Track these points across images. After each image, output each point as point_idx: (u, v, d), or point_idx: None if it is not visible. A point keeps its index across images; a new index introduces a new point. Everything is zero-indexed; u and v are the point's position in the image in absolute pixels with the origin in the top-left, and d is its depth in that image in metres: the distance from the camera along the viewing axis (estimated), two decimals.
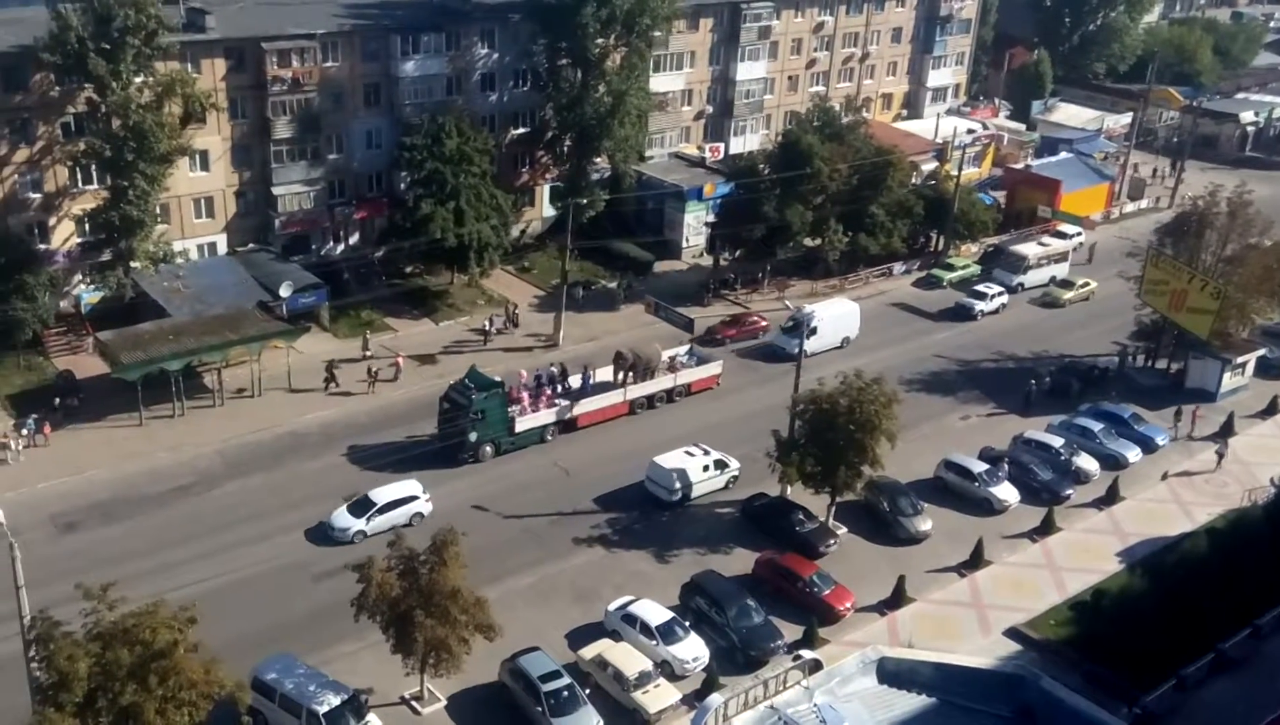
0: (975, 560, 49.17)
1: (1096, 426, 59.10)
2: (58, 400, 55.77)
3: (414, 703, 40.04)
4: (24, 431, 52.97)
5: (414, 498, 49.37)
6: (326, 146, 69.53)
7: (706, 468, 52.92)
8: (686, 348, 63.20)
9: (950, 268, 79.84)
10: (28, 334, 58.92)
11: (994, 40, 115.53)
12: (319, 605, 43.23)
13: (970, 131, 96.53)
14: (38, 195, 61.54)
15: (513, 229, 75.79)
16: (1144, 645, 42.13)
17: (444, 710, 39.97)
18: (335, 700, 37.34)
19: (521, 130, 78.07)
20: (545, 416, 56.11)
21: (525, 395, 56.22)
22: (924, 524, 51.18)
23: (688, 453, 53.30)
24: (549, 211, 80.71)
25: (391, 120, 71.32)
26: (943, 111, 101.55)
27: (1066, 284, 77.02)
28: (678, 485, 52.04)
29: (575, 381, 59.17)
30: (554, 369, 59.98)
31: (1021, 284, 76.76)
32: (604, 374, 59.28)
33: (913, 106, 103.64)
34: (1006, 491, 53.66)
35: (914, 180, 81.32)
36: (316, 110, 67.52)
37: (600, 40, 73.27)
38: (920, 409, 60.56)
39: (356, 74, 69.80)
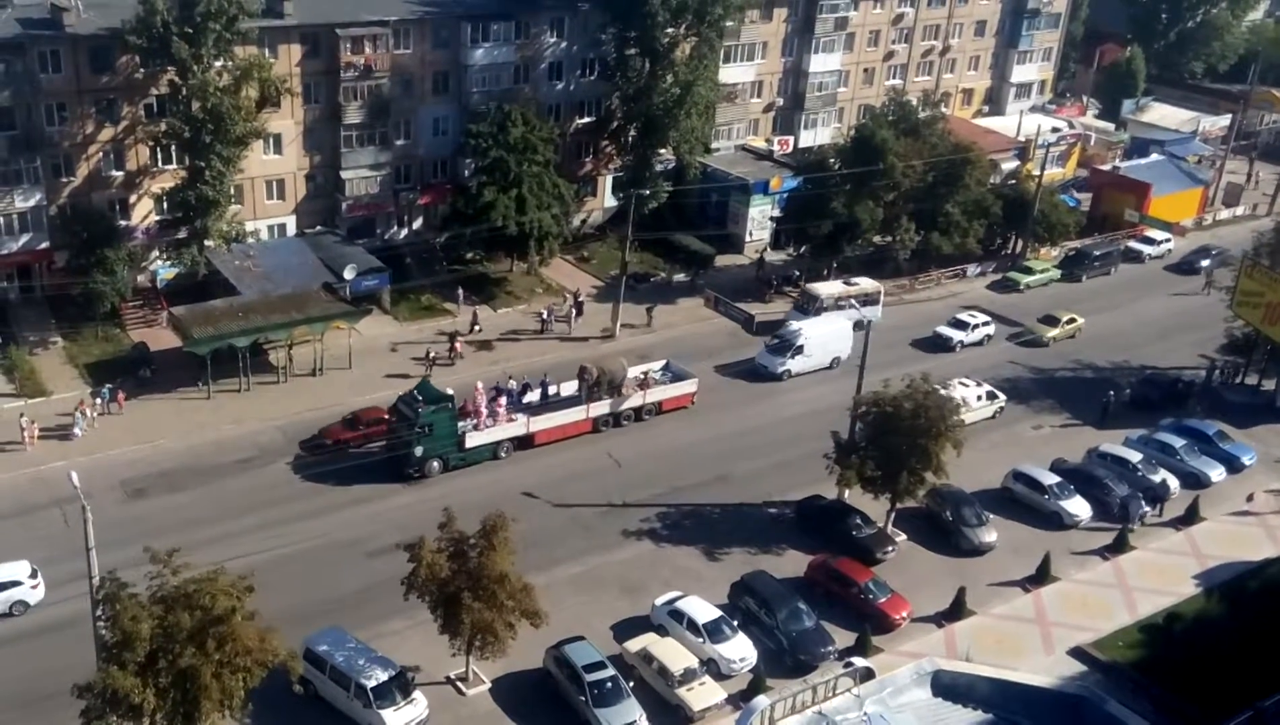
0: (1041, 575, 48.90)
1: (1178, 442, 58.40)
2: (145, 370, 58.61)
3: (459, 683, 41.26)
4: (99, 400, 55.46)
5: (15, 583, 43.00)
6: (394, 132, 71.37)
7: (980, 397, 59.29)
8: (662, 363, 61.44)
9: (1029, 271, 79.25)
10: (106, 306, 61.78)
11: (1084, 36, 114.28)
12: (370, 582, 44.58)
13: (1055, 130, 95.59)
14: (120, 173, 64.34)
15: (574, 218, 76.94)
16: (1219, 674, 41.55)
17: (488, 693, 41.10)
18: (383, 675, 38.74)
19: (586, 119, 79.16)
20: (499, 432, 54.44)
21: (479, 409, 54.37)
22: (988, 535, 51.05)
23: (962, 383, 60.00)
24: (611, 202, 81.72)
25: (458, 107, 72.88)
26: (1026, 108, 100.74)
27: (1050, 320, 70.74)
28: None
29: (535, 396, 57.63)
30: (513, 383, 58.06)
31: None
32: (570, 388, 57.75)
33: (995, 103, 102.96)
34: (1078, 506, 53.30)
35: (993, 179, 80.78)
36: (386, 96, 69.45)
37: (670, 30, 74.05)
38: None
39: (426, 61, 71.57)
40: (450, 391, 54.00)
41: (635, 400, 58.37)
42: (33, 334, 61.66)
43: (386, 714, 38.11)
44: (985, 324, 70.06)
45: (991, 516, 52.03)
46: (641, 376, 59.41)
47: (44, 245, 62.51)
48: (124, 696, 31.91)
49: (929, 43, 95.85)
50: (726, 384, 63.15)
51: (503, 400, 55.39)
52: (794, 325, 64.12)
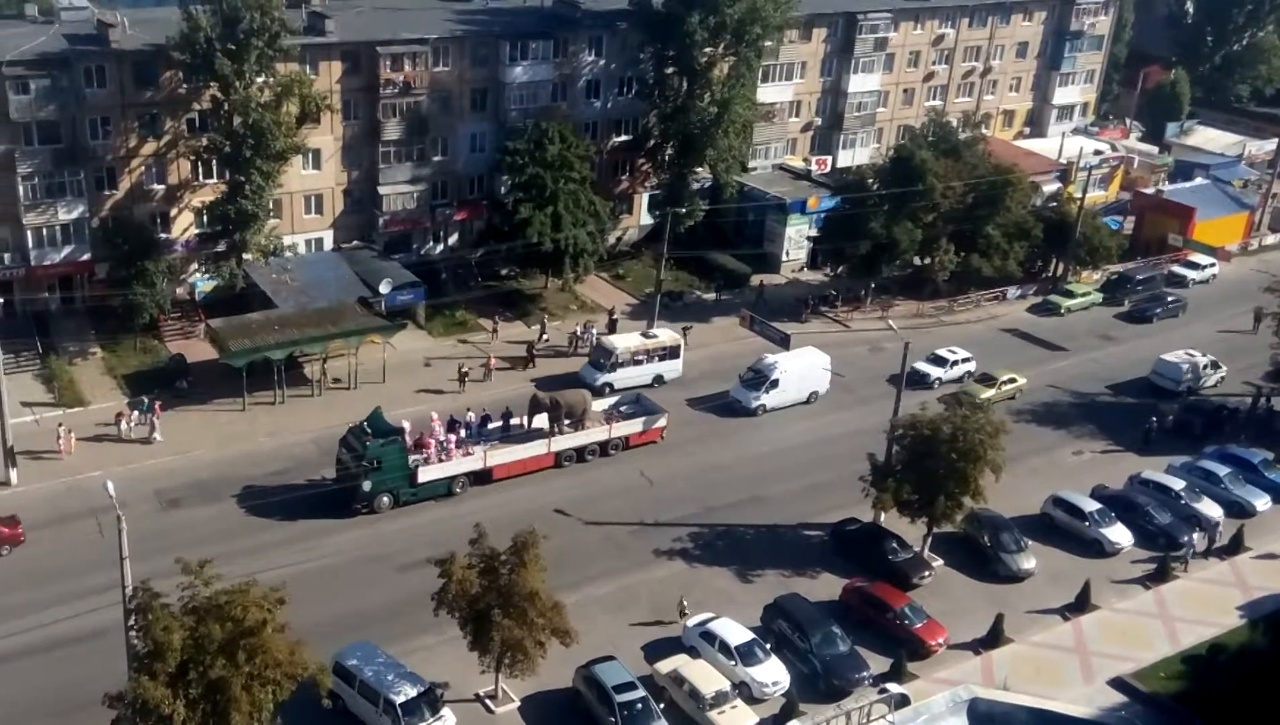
0: (1081, 603, 48.21)
1: (1222, 470, 57.49)
2: (182, 382, 59.26)
3: (488, 701, 41.13)
4: (137, 411, 56.06)
5: None
6: (432, 149, 71.96)
7: (1205, 367, 64.08)
8: (633, 397, 59.62)
9: (1070, 294, 78.52)
10: (145, 318, 62.53)
11: (1127, 58, 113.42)
12: (401, 597, 44.61)
13: (1098, 152, 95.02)
14: (161, 187, 65.23)
15: (609, 236, 76.99)
16: (1263, 706, 40.52)
17: (517, 711, 40.95)
18: (412, 691, 38.67)
19: (623, 137, 79.39)
20: (453, 467, 52.53)
21: (432, 443, 52.71)
22: (1027, 562, 50.38)
23: (1189, 353, 65.85)
24: (647, 220, 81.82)
25: (496, 124, 73.33)
26: (1068, 131, 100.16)
27: (986, 379, 64.94)
28: (1186, 377, 64.57)
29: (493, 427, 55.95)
30: (471, 415, 56.11)
31: (609, 385, 61.48)
32: (539, 422, 55.52)
33: (1036, 124, 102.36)
34: (1119, 533, 52.57)
35: (1034, 201, 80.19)
36: (425, 113, 70.04)
37: (708, 49, 74.25)
38: (1030, 441, 59.80)
39: (465, 79, 72.12)
40: (405, 424, 52.59)
41: (599, 434, 56.34)
42: (72, 344, 62.42)
43: None
44: (966, 361, 67.00)
45: (1031, 543, 51.39)
46: (609, 410, 57.88)
47: (85, 257, 63.35)
48: (154, 707, 32.01)
49: (970, 64, 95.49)
50: (699, 418, 61.18)
51: (452, 436, 53.27)
52: (770, 358, 62.36)
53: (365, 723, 39.19)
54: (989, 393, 63.05)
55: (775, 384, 61.80)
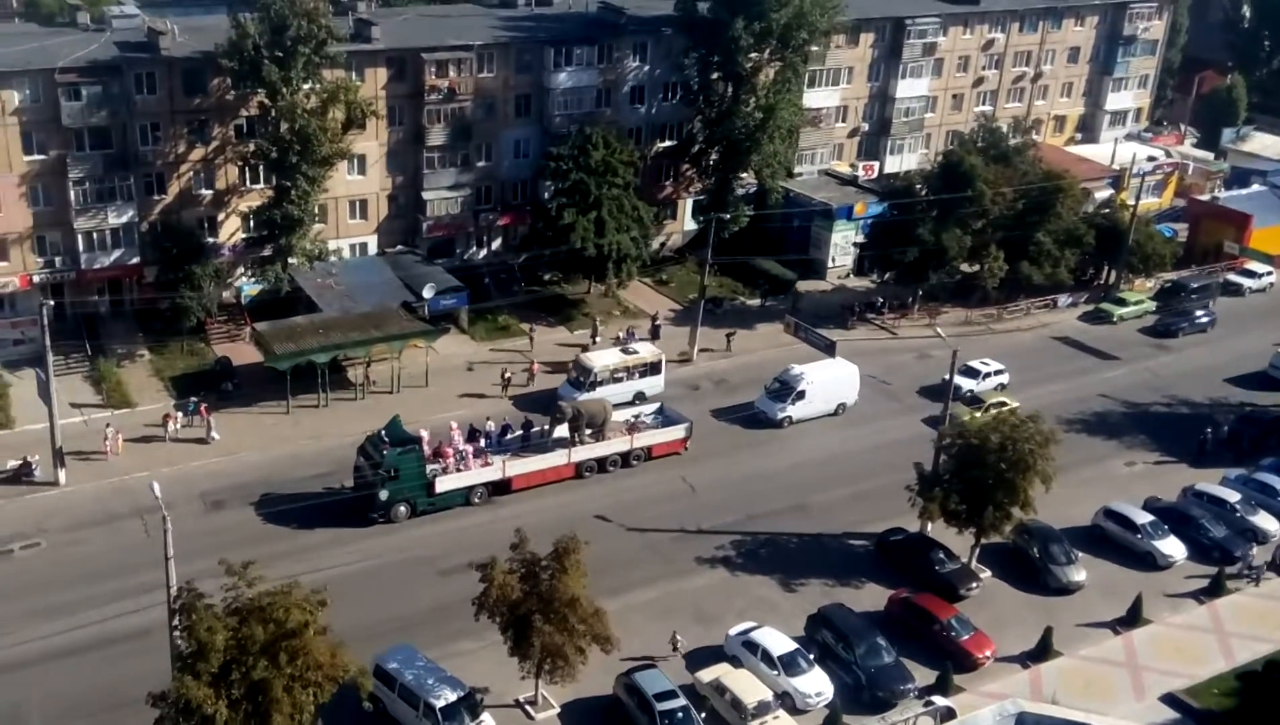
0: (1133, 617, 47.39)
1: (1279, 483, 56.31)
2: (227, 384, 60.06)
3: (528, 707, 41.08)
4: (182, 412, 56.81)
5: None
6: (476, 154, 72.37)
7: None
8: (655, 407, 59.05)
9: (1122, 302, 77.39)
10: (192, 321, 63.41)
11: (1182, 63, 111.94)
12: (441, 600, 44.70)
13: (1151, 159, 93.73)
14: (209, 192, 66.11)
15: (653, 241, 76.94)
16: None
17: (556, 718, 40.85)
18: (452, 696, 38.71)
19: (668, 143, 79.40)
20: (471, 477, 52.20)
21: (450, 452, 52.49)
22: (1078, 574, 49.62)
23: None
24: (690, 225, 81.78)
25: (540, 130, 73.63)
26: (1121, 136, 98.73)
27: (974, 402, 61.78)
28: None
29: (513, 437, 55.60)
30: (490, 424, 56.10)
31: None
32: (560, 432, 54.82)
33: (1088, 130, 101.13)
34: (1173, 547, 51.64)
35: (1086, 208, 79.14)
36: (469, 119, 70.48)
37: (753, 54, 74.04)
38: (1081, 451, 58.96)
39: (509, 85, 72.53)
40: (423, 433, 52.52)
41: (620, 444, 55.87)
42: (121, 347, 63.32)
43: None
44: (998, 372, 65.54)
45: (1081, 555, 50.60)
46: (631, 420, 57.17)
47: (134, 261, 64.25)
48: (197, 707, 32.23)
49: (1020, 69, 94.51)
50: (721, 430, 60.37)
51: (469, 445, 53.20)
52: (796, 369, 61.35)
53: None
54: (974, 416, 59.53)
55: (802, 395, 60.84)
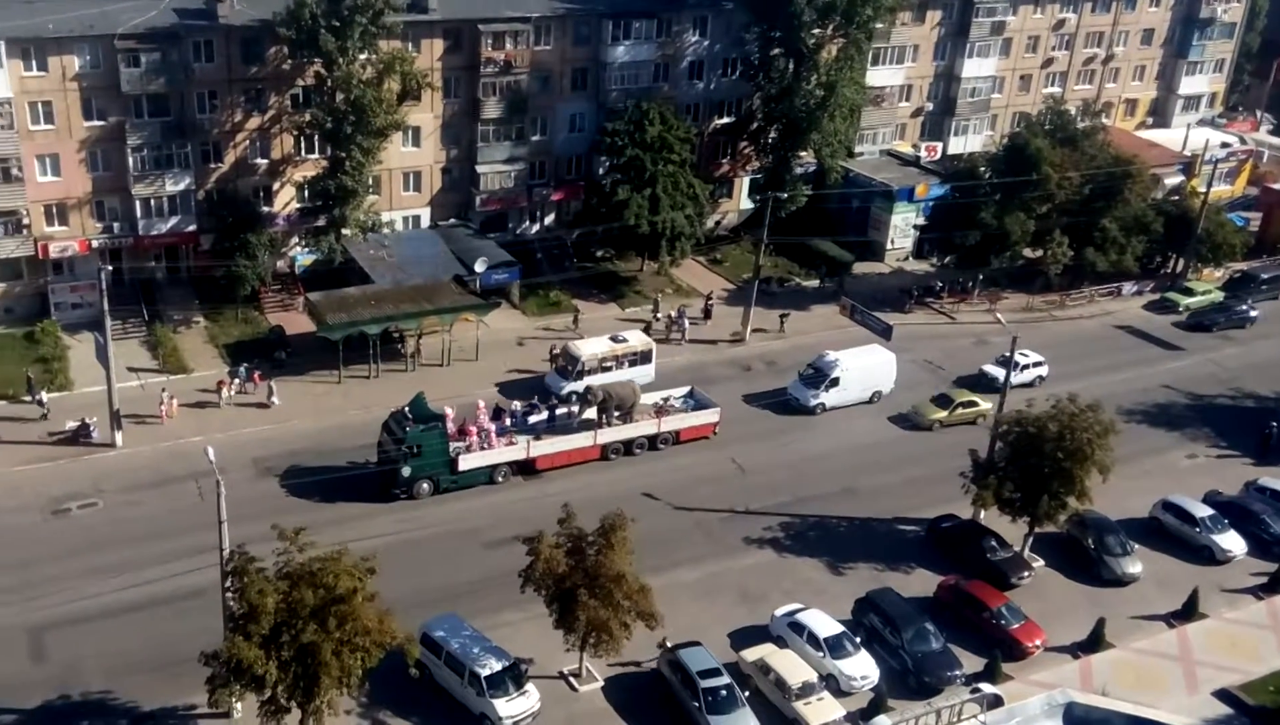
0: (1188, 611, 47.54)
1: None
2: (280, 353, 61.72)
3: (572, 679, 42.18)
4: (236, 379, 58.55)
5: None
6: (531, 128, 73.18)
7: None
8: (685, 391, 59.36)
9: (1189, 292, 76.85)
10: (247, 290, 65.02)
11: (1260, 47, 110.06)
12: (488, 572, 45.85)
13: (1224, 145, 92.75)
14: (265, 161, 67.56)
15: (708, 219, 77.47)
16: None
17: (600, 690, 41.92)
18: (497, 665, 39.91)
19: (726, 120, 79.72)
20: (495, 456, 52.83)
21: (474, 431, 53.09)
22: (1133, 566, 49.83)
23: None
24: (747, 204, 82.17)
25: (596, 105, 74.29)
26: (1194, 122, 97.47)
27: (943, 401, 61.33)
28: None
29: (539, 418, 56.06)
30: (517, 404, 56.77)
31: (575, 394, 57.72)
32: (588, 414, 55.47)
33: (1160, 115, 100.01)
34: (1232, 541, 51.62)
35: (1155, 194, 78.57)
36: (525, 92, 71.26)
37: (816, 30, 73.98)
38: (1141, 442, 59.01)
39: (566, 58, 73.15)
40: (448, 411, 53.21)
41: (648, 428, 56.34)
42: (177, 313, 65.17)
43: (499, 703, 39.21)
44: (1037, 364, 64.78)
45: (1137, 547, 50.78)
46: (660, 403, 57.63)
47: (191, 228, 65.88)
48: (248, 667, 33.70)
49: (1091, 50, 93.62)
50: (753, 415, 60.59)
51: (493, 424, 53.65)
52: (831, 356, 61.35)
53: (450, 693, 40.51)
54: (940, 414, 60.02)
55: (836, 382, 60.73)
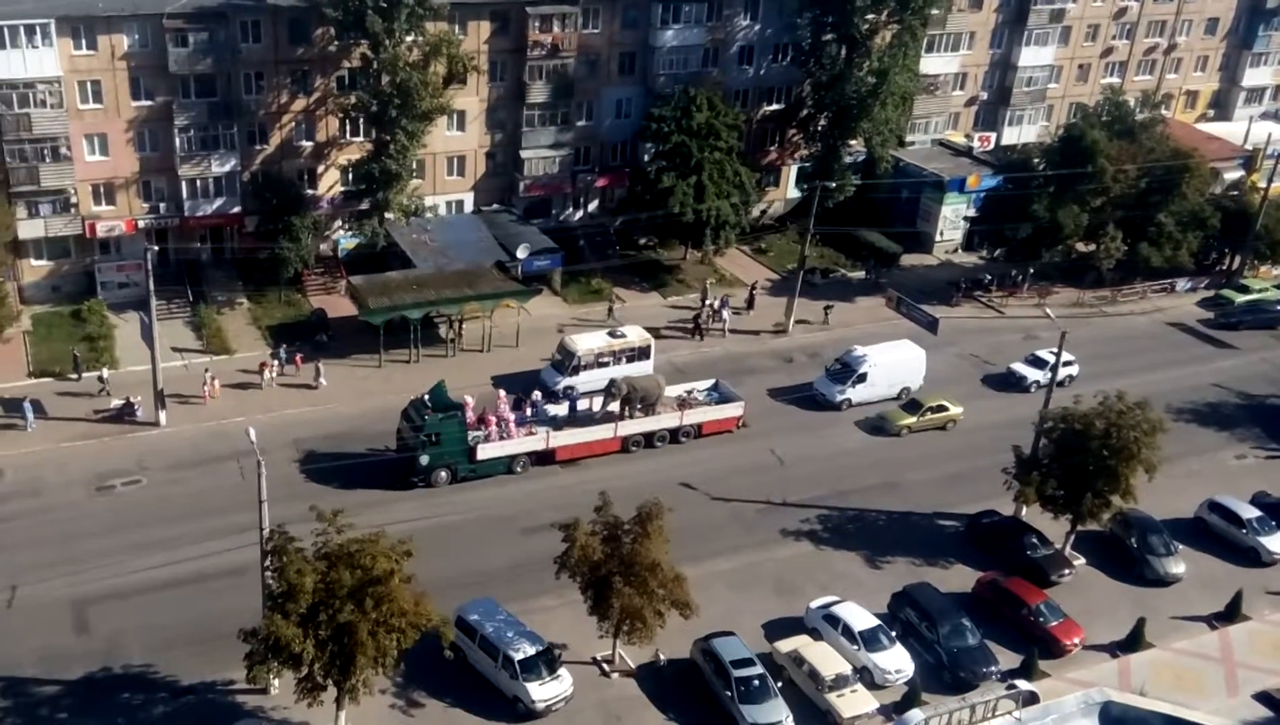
0: (1231, 613, 47.69)
1: None
2: (322, 336, 63.16)
3: (604, 665, 43.13)
4: (277, 361, 60.08)
5: None
6: (576, 113, 74.02)
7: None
8: (710, 383, 59.60)
9: (1244, 290, 76.31)
10: (290, 272, 66.54)
11: None
12: (523, 558, 46.90)
13: None
14: (310, 143, 68.94)
15: (753, 208, 77.92)
16: None
17: (633, 678, 42.76)
18: (531, 649, 40.94)
19: (775, 106, 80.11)
20: (514, 446, 53.52)
21: (493, 420, 53.64)
22: (1176, 566, 50.02)
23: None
24: (794, 193, 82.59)
25: (643, 90, 74.91)
26: (1257, 115, 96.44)
27: (912, 406, 60.51)
28: None
29: (560, 409, 56.66)
30: (538, 394, 57.46)
31: (571, 389, 58.81)
32: (612, 406, 55.95)
33: (1221, 107, 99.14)
34: (1279, 543, 51.55)
35: (1213, 189, 78.05)
36: (571, 76, 72.04)
37: (870, 16, 74.19)
38: (1189, 441, 59.03)
39: (614, 41, 73.80)
40: (468, 399, 53.74)
41: (670, 421, 56.65)
42: (221, 294, 66.85)
43: (532, 687, 40.22)
44: (1067, 364, 62.06)
45: (1181, 547, 50.95)
46: (684, 395, 57.95)
47: (236, 210, 67.44)
48: (285, 644, 34.95)
49: (1153, 40, 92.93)
50: (777, 410, 61.01)
51: (512, 414, 54.26)
52: (859, 351, 61.49)
53: (484, 676, 41.57)
54: (909, 420, 59.40)
55: (863, 378, 60.82)
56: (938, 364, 63.99)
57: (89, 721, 39.13)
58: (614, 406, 55.98)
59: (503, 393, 56.23)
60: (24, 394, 55.77)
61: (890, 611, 46.22)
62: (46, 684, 40.35)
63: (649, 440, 56.52)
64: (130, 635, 42.51)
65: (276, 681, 39.29)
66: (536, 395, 57.46)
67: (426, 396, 52.93)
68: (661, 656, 43.07)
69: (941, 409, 60.22)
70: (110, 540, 47.05)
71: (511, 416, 54.35)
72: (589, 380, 59.33)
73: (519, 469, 54.14)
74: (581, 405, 57.08)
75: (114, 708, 39.76)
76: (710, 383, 59.95)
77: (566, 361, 60.35)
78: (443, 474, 52.56)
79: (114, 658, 41.58)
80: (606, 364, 60.45)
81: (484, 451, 53.00)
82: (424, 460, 51.87)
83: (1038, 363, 64.55)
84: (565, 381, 59.44)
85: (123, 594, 44.40)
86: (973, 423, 60.05)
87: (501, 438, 53.66)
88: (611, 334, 62.13)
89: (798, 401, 61.98)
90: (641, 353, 61.70)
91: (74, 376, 58.14)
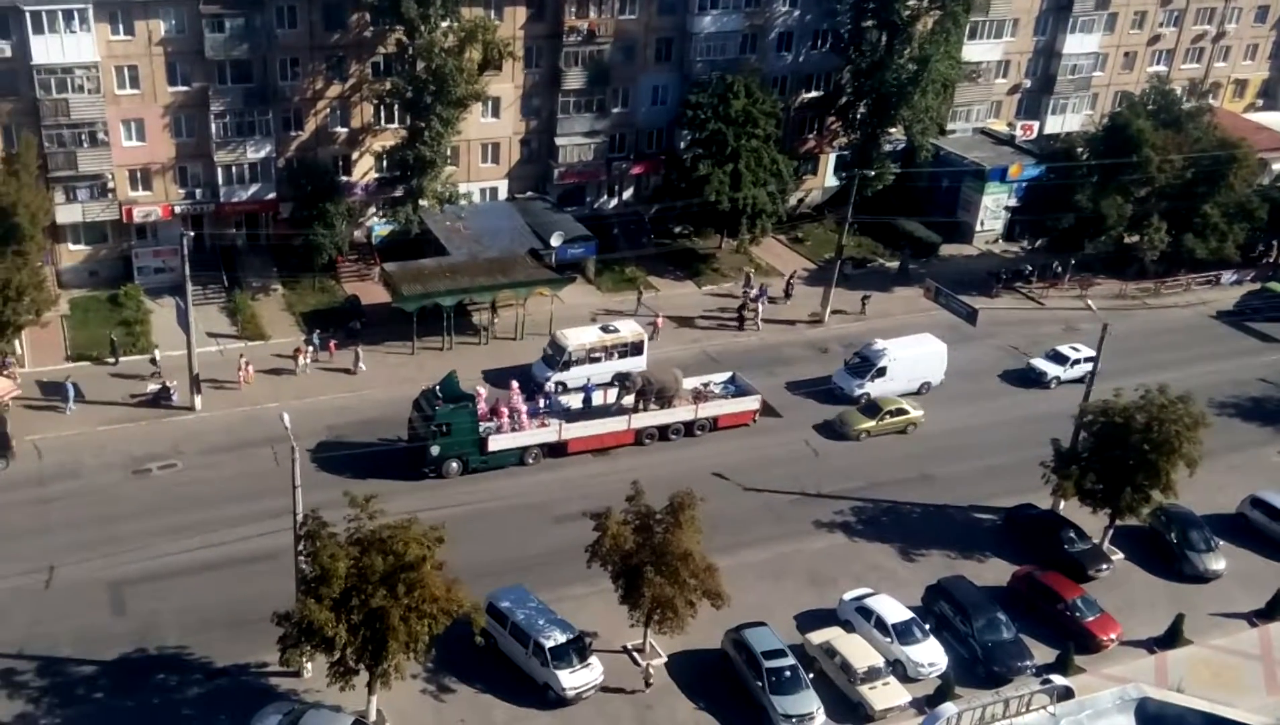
0: (1272, 610, 47.72)
1: None
2: (356, 322, 64.12)
3: (635, 654, 43.73)
4: (311, 347, 61.10)
5: None
6: (612, 100, 74.39)
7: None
8: (726, 376, 59.75)
9: None
10: (324, 259, 67.49)
11: None
12: (555, 546, 47.49)
13: None
14: (344, 130, 69.81)
15: (790, 197, 78.10)
16: None
17: (663, 666, 43.38)
18: (562, 637, 41.64)
19: (813, 94, 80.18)
20: (526, 437, 53.91)
21: (505, 411, 54.12)
22: (1217, 563, 50.03)
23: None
24: (831, 181, 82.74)
25: (680, 77, 75.19)
26: None
27: (870, 409, 59.45)
28: None
29: (574, 400, 57.14)
30: (551, 385, 58.20)
31: (562, 384, 58.97)
32: (628, 398, 56.32)
33: (1271, 96, 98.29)
34: None
35: (1261, 180, 77.57)
36: (607, 62, 72.45)
37: (912, 2, 74.12)
38: (1231, 436, 58.93)
39: (651, 27, 74.02)
40: (480, 390, 54.59)
41: (684, 413, 56.77)
42: (255, 280, 67.86)
43: (562, 675, 40.89)
44: (1089, 360, 60.60)
45: (1222, 543, 50.96)
46: (700, 388, 58.07)
47: (271, 196, 68.45)
48: (318, 629, 35.80)
49: (1201, 27, 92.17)
50: (795, 404, 61.04)
51: (524, 406, 54.64)
52: (879, 344, 61.40)
53: (515, 663, 42.29)
54: (868, 424, 58.44)
55: (882, 372, 60.68)
56: (977, 354, 63.98)
57: (125, 702, 40.17)
58: (628, 399, 56.39)
59: (515, 383, 56.72)
60: (63, 377, 56.95)
61: (924, 604, 46.57)
62: (83, 664, 41.46)
63: (663, 433, 56.83)
64: (166, 617, 43.58)
65: (309, 665, 40.20)
66: (550, 386, 57.95)
67: (438, 387, 53.58)
68: (651, 670, 43.07)
69: (901, 412, 59.48)
70: (146, 523, 48.18)
71: (524, 408, 54.90)
72: (581, 374, 59.53)
73: (531, 460, 54.53)
74: (596, 397, 57.54)
75: (149, 688, 40.81)
76: (727, 375, 60.20)
77: (557, 356, 60.40)
78: (454, 465, 53.08)
79: (149, 639, 42.65)
80: (597, 359, 60.50)
81: (495, 443, 53.50)
82: (435, 450, 52.42)
83: (1058, 358, 64.57)
84: (556, 375, 59.69)
85: (158, 576, 45.47)
86: (1000, 418, 60.08)
87: (514, 429, 54.13)
88: (604, 329, 62.14)
89: (815, 395, 61.62)
90: (634, 348, 61.42)
91: (111, 360, 59.37)
